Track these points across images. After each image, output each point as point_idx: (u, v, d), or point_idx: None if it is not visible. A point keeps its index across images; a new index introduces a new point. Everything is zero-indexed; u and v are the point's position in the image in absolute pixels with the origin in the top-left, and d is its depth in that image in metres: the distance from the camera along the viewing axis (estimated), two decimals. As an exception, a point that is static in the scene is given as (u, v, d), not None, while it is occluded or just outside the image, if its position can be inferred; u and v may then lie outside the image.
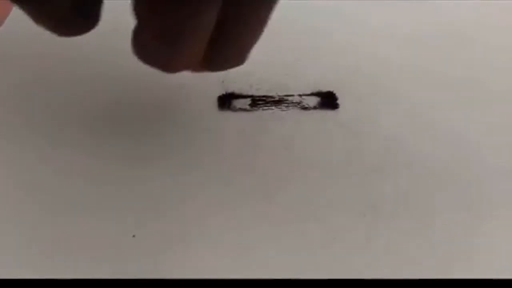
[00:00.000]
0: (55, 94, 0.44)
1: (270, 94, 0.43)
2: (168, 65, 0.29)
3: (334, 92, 0.43)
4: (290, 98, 0.43)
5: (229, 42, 0.29)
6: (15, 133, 0.41)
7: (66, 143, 0.40)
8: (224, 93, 0.43)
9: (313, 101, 0.43)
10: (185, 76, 0.45)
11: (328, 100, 0.43)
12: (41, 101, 0.43)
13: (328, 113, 0.42)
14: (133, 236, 0.34)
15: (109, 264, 0.33)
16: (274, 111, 0.42)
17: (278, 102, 0.43)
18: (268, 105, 0.42)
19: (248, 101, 0.43)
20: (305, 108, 0.42)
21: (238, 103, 0.43)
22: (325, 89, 0.44)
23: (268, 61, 0.46)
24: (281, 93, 0.43)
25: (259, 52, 0.48)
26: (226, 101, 0.43)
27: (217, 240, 0.34)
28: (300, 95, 0.43)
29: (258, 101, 0.43)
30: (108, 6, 0.49)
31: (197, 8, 0.24)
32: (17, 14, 0.50)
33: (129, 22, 0.27)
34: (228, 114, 0.42)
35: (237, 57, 0.31)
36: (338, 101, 0.43)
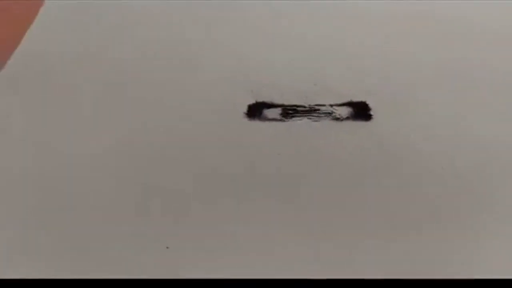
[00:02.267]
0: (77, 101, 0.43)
1: (301, 103, 0.42)
2: None
3: (367, 102, 0.42)
4: (321, 108, 0.42)
5: None
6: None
7: (89, 149, 0.39)
8: (254, 102, 0.42)
9: (345, 111, 0.42)
10: (213, 85, 0.44)
11: (360, 111, 0.42)
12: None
13: (361, 124, 0.41)
14: (167, 247, 0.33)
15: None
16: (306, 121, 0.41)
17: (309, 112, 0.42)
18: (299, 115, 0.41)
19: (279, 110, 0.42)
20: (337, 119, 0.41)
21: (269, 112, 0.41)
22: (357, 98, 0.43)
23: (297, 69, 0.45)
24: (312, 103, 0.42)
25: (288, 60, 0.47)
26: (256, 110, 0.42)
27: (241, 248, 0.33)
28: (331, 105, 0.42)
29: (289, 111, 0.42)
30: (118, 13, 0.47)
31: None
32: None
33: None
34: (258, 124, 0.41)
35: None
36: (371, 112, 0.42)
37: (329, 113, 0.42)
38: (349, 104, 0.42)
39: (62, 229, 0.34)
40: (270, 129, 0.40)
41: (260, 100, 0.42)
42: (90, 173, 0.37)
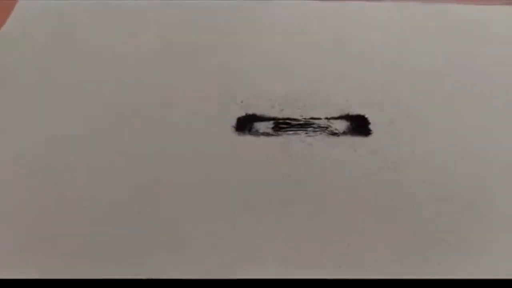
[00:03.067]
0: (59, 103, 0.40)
1: (294, 116, 0.39)
2: None
3: (366, 116, 0.39)
4: (317, 122, 0.39)
5: None
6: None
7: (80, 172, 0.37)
8: (243, 115, 0.39)
9: (343, 125, 0.39)
10: (199, 96, 0.41)
11: (359, 125, 0.39)
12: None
13: (360, 140, 0.38)
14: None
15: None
16: (300, 136, 0.38)
17: (304, 126, 0.38)
18: (293, 129, 0.38)
19: (271, 124, 0.38)
20: (334, 134, 0.38)
21: (260, 126, 0.38)
22: (355, 111, 0.40)
23: (291, 79, 0.42)
24: (307, 116, 0.39)
25: (281, 70, 0.44)
26: (246, 124, 0.38)
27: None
28: (327, 119, 0.39)
29: (281, 124, 0.38)
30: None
31: None
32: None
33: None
34: (248, 139, 0.37)
35: None
36: (370, 126, 0.38)
37: (325, 127, 0.38)
38: (347, 117, 0.39)
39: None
40: (260, 145, 0.37)
41: (250, 112, 0.39)
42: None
